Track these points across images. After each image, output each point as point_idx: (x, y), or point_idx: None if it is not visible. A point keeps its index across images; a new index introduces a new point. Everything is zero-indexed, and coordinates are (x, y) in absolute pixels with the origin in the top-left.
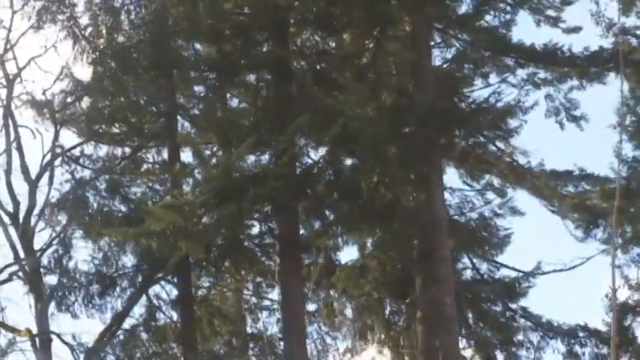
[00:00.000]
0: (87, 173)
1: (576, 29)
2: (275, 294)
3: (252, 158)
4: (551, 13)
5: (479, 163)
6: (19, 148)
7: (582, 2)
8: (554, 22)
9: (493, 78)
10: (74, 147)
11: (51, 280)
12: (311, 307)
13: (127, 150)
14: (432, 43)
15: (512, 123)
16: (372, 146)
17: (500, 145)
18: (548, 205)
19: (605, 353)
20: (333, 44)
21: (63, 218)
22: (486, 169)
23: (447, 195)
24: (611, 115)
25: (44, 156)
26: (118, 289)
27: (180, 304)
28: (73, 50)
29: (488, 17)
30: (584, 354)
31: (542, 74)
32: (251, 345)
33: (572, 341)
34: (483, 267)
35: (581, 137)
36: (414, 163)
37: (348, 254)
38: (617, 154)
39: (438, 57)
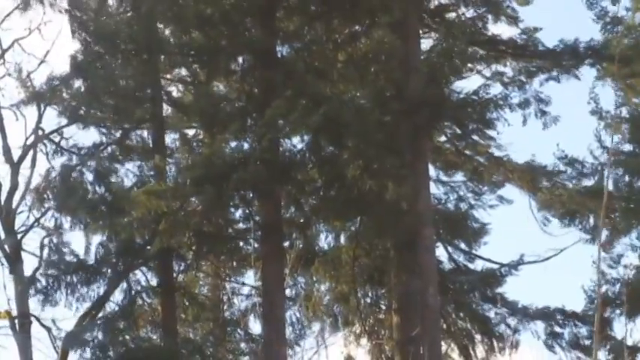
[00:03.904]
0: (73, 159)
1: (536, 29)
2: (252, 279)
3: (235, 144)
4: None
5: (454, 158)
6: (2, 130)
7: None
8: (514, 21)
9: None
10: (57, 130)
11: (32, 263)
12: (289, 291)
13: (113, 135)
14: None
15: (494, 115)
16: (358, 133)
17: (477, 138)
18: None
19: (585, 333)
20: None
21: (47, 203)
22: (461, 165)
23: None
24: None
25: (27, 138)
26: (99, 277)
27: (161, 291)
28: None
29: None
30: (563, 334)
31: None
32: (228, 330)
33: (552, 322)
34: (460, 258)
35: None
36: (400, 151)
37: (328, 242)
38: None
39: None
